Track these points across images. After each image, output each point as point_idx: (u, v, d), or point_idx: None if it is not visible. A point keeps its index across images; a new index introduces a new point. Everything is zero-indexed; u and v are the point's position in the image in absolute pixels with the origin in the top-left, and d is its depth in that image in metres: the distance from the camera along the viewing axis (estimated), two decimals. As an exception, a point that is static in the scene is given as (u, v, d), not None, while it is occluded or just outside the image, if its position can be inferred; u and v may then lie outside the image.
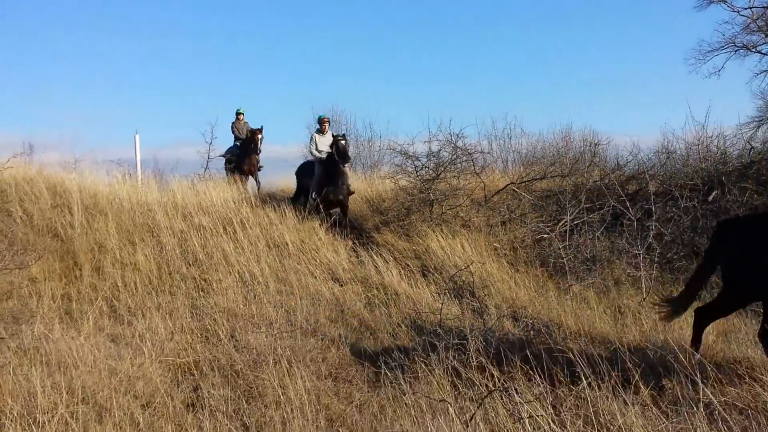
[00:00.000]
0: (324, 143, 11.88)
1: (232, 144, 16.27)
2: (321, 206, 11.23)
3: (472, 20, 60.45)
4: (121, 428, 5.09)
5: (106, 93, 53.60)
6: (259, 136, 15.11)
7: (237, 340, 7.03)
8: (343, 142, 11.28)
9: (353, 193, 11.98)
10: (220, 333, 7.18)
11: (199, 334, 7.26)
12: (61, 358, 6.31)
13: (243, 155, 15.44)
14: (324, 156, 11.67)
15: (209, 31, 62.25)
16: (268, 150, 17.15)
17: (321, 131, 12.27)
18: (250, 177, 15.45)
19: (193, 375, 6.27)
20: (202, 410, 5.54)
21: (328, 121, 12.68)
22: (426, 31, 60.22)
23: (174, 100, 54.23)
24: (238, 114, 16.35)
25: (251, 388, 5.93)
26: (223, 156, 16.43)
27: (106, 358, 6.27)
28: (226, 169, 16.17)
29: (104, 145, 39.75)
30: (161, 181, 13.26)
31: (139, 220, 9.96)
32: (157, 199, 10.97)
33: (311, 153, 12.13)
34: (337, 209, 11.63)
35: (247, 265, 9.10)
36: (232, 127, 16.17)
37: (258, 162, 15.56)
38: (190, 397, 5.87)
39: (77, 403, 5.38)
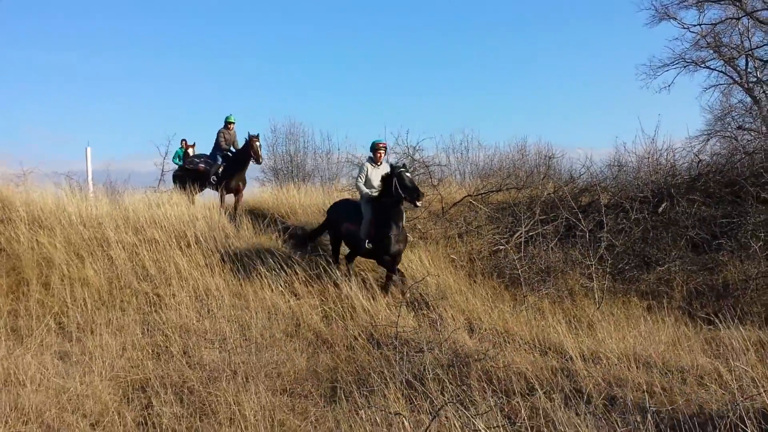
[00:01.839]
0: (378, 177, 9.22)
1: (210, 153, 14.28)
2: (378, 257, 9.00)
3: (429, 34, 61.10)
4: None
5: (57, 106, 52.40)
6: (258, 143, 13.19)
7: (190, 357, 6.89)
8: (408, 174, 8.72)
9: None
10: (173, 349, 7.03)
11: (150, 351, 7.10)
12: (7, 376, 6.12)
13: (234, 169, 13.41)
14: (376, 193, 9.10)
15: (164, 44, 61.52)
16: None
17: (374, 161, 9.52)
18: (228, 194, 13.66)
19: (145, 392, 6.12)
20: (154, 428, 5.42)
21: (385, 149, 9.73)
22: (384, 44, 60.62)
23: (129, 114, 53.32)
24: (228, 122, 14.25)
25: (204, 405, 5.82)
26: (189, 166, 14.49)
27: (54, 376, 6.09)
28: (176, 178, 15.24)
29: (55, 157, 38.78)
30: (113, 194, 12.96)
31: (88, 234, 9.71)
32: (108, 213, 10.70)
33: (357, 188, 9.51)
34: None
35: (201, 279, 8.94)
36: (218, 136, 14.07)
37: (244, 179, 13.80)
38: (141, 415, 5.73)
39: (24, 422, 5.21)
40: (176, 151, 16.56)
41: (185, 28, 63.67)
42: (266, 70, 59.38)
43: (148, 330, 7.63)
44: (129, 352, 6.96)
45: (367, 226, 8.96)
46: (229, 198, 13.62)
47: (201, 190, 14.02)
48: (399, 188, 8.46)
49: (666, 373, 5.60)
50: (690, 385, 5.36)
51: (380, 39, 61.67)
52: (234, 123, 14.22)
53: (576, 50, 55.92)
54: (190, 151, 15.48)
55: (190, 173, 14.15)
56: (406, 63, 58.64)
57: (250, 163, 13.35)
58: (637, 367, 5.73)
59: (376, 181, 9.18)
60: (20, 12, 58.80)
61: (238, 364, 6.54)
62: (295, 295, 8.58)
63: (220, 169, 13.65)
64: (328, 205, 10.94)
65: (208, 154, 14.23)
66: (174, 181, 15.42)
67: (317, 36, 62.26)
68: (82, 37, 61.23)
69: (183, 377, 6.33)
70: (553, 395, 5.03)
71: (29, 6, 60.84)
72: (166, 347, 7.10)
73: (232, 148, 13.98)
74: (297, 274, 9.03)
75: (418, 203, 8.60)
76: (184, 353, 6.97)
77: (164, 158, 16.76)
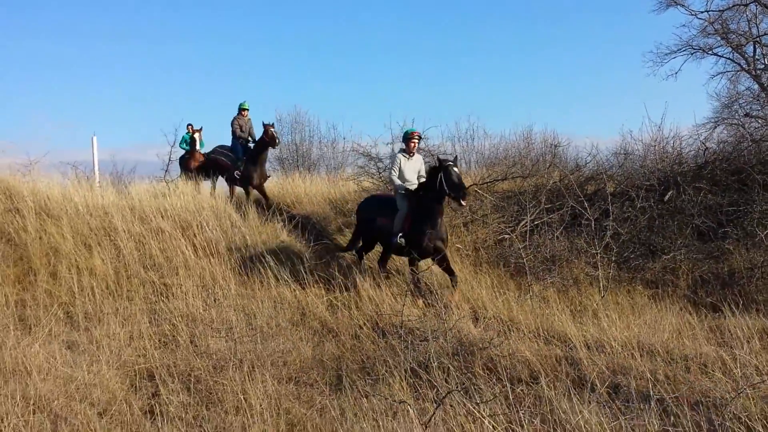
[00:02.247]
0: (412, 169, 8.96)
1: (231, 143, 13.97)
2: (412, 256, 8.45)
3: (434, 23, 60.81)
4: (77, 437, 4.99)
5: (63, 95, 52.50)
6: (273, 129, 12.88)
7: (196, 345, 6.94)
8: (456, 170, 8.14)
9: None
10: (179, 338, 7.08)
11: (157, 340, 7.15)
12: (16, 365, 6.16)
13: (254, 161, 13.10)
14: (412, 186, 8.78)
15: (166, 33, 61.46)
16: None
17: (407, 152, 8.97)
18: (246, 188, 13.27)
19: (152, 381, 6.17)
20: (161, 417, 5.45)
21: (419, 138, 9.26)
22: (389, 34, 60.38)
23: (135, 103, 53.37)
24: (241, 109, 13.94)
25: (211, 393, 5.87)
26: (209, 156, 14.34)
27: (61, 366, 6.14)
28: (182, 163, 15.29)
29: (61, 147, 38.91)
30: (119, 184, 13.03)
31: (95, 224, 9.77)
32: (114, 202, 10.76)
33: (391, 182, 8.98)
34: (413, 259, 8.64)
35: (208, 268, 8.99)
36: (232, 124, 13.84)
37: (266, 171, 13.53)
38: (149, 404, 5.78)
39: (32, 411, 5.26)
40: (183, 136, 16.33)
41: (191, 17, 63.58)
42: (272, 59, 59.31)
43: (155, 319, 7.69)
44: (136, 341, 7.02)
45: (401, 220, 8.53)
46: (235, 191, 13.63)
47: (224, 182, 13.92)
48: (444, 184, 7.96)
49: (670, 362, 5.62)
50: (694, 374, 5.37)
51: (385, 29, 61.44)
52: (248, 109, 13.96)
53: (582, 38, 55.57)
54: (197, 136, 15.36)
55: (212, 165, 14.07)
56: (411, 52, 58.44)
57: (269, 151, 13.26)
58: (641, 356, 5.75)
59: (409, 174, 8.87)
60: (24, 0, 58.85)
61: (245, 353, 6.59)
62: (301, 284, 8.62)
63: (235, 162, 13.47)
64: (334, 194, 10.97)
65: (229, 145, 13.96)
66: (181, 167, 15.42)
67: (322, 25, 62.08)
68: (86, 25, 61.24)
69: (190, 366, 6.38)
70: (557, 383, 5.05)
71: (34, -5, 60.84)
72: (173, 336, 7.16)
73: (250, 139, 13.77)
74: (303, 263, 9.06)
75: (463, 202, 8.12)
76: (191, 342, 7.02)
77: (172, 147, 16.60)
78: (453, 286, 8.29)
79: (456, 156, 8.92)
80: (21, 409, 5.21)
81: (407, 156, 8.94)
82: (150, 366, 6.39)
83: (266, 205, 12.47)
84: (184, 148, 15.94)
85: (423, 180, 8.86)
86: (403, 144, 9.04)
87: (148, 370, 6.35)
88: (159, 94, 55.34)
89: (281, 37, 62.13)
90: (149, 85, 56.27)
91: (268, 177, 13.51)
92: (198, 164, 14.88)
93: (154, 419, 5.48)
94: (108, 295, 8.28)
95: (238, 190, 13.68)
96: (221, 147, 14.16)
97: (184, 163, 15.26)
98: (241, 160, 13.34)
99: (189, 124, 16.22)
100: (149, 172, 15.54)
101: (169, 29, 62.24)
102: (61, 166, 12.87)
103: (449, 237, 9.26)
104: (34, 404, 5.39)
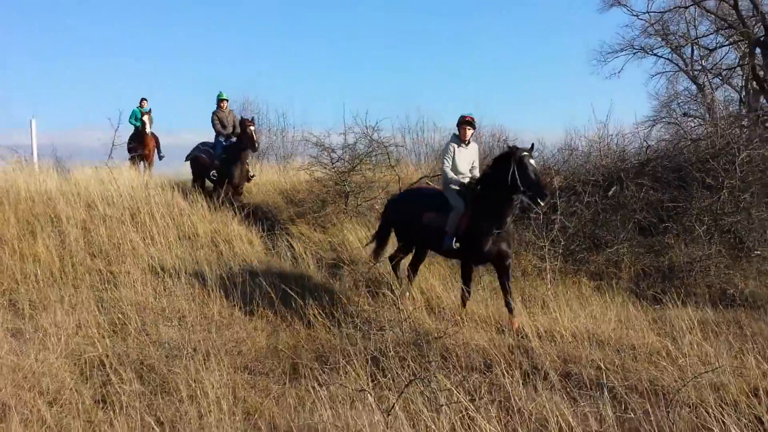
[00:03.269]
0: (466, 159, 7.84)
1: (214, 140, 12.47)
2: (465, 259, 7.47)
3: (384, 14, 60.80)
4: (27, 426, 4.85)
5: (-3, 74, 50.22)
6: (252, 128, 11.66)
7: (148, 334, 6.83)
8: (533, 162, 6.98)
9: None
10: (130, 326, 6.95)
11: (107, 328, 6.99)
12: (-43, 353, 5.94)
13: (234, 158, 11.74)
14: (465, 179, 7.70)
15: (111, 13, 59.47)
16: (181, 137, 15.89)
17: (460, 140, 7.84)
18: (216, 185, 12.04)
19: (102, 370, 6.04)
20: (113, 406, 5.36)
21: (473, 124, 7.87)
22: (338, 22, 60.04)
23: (73, 84, 51.55)
24: (220, 100, 12.61)
25: (165, 382, 5.79)
26: (191, 154, 12.76)
27: (7, 354, 5.95)
28: (132, 148, 14.70)
29: (-4, 130, 37.23)
30: (61, 169, 12.63)
31: (38, 210, 9.46)
32: (57, 188, 10.44)
33: (444, 174, 7.78)
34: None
35: (158, 256, 8.83)
36: (212, 119, 12.39)
37: (249, 171, 12.21)
38: (100, 393, 5.67)
39: (-23, 401, 5.09)
40: (133, 111, 15.40)
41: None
42: (220, 40, 58.13)
43: (103, 307, 7.50)
44: (84, 330, 6.85)
45: (456, 219, 7.35)
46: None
47: (203, 185, 12.50)
48: (519, 178, 6.74)
49: (618, 351, 5.84)
50: (641, 362, 5.61)
51: (338, 17, 61.06)
52: (227, 100, 12.68)
53: (529, 34, 56.54)
54: (146, 118, 14.78)
55: (192, 164, 12.66)
56: (361, 41, 58.28)
57: (258, 145, 12.06)
58: (590, 345, 5.96)
59: (463, 164, 7.76)
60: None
61: (198, 341, 6.52)
62: (254, 274, 8.55)
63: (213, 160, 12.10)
64: (284, 184, 10.77)
65: (213, 141, 12.56)
66: (129, 152, 14.83)
67: (273, 6, 61.24)
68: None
69: (142, 355, 6.28)
70: (512, 371, 5.19)
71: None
72: (123, 324, 7.01)
73: (232, 133, 12.34)
74: (255, 251, 9.00)
75: (542, 203, 7.05)
76: (142, 331, 6.90)
77: (116, 131, 16.03)
78: (510, 310, 7.16)
79: (533, 144, 7.34)
80: (-34, 398, 5.04)
81: (461, 144, 7.80)
82: (100, 354, 6.25)
83: (236, 206, 11.32)
84: (133, 124, 15.27)
85: (476, 171, 7.93)
86: (456, 130, 7.87)
87: (98, 359, 6.21)
88: (97, 76, 53.56)
89: (230, 17, 60.97)
90: (88, 64, 54.36)
91: (252, 177, 12.33)
92: (148, 152, 14.41)
93: (106, 408, 5.38)
94: (53, 283, 8.05)
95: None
96: (204, 144, 12.76)
97: (133, 146, 14.77)
98: (219, 158, 12.02)
99: (143, 98, 15.41)
100: (91, 157, 14.98)
101: (111, 8, 60.23)
102: (-2, 150, 12.38)
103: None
104: (-21, 393, 5.22)
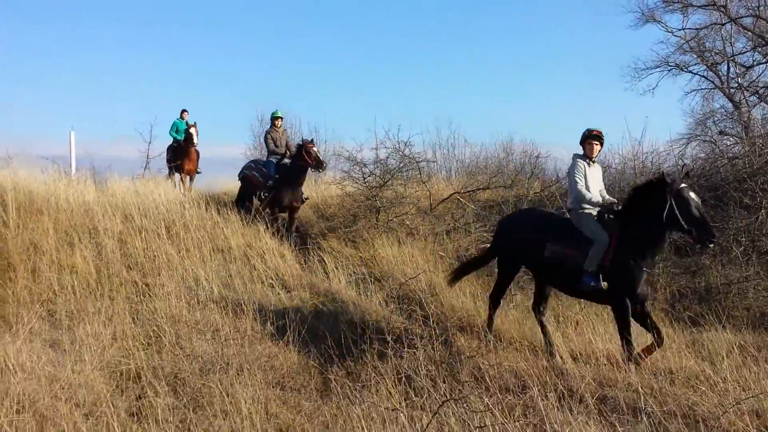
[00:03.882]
0: (595, 179, 6.90)
1: (266, 159, 12.02)
2: (612, 300, 6.43)
3: (416, 30, 61.00)
4: (64, 438, 4.93)
5: (38, 86, 51.47)
6: (315, 149, 11.12)
7: (182, 347, 6.89)
8: (695, 196, 6.07)
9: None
10: (164, 339, 7.02)
11: (141, 341, 7.08)
12: (-2, 363, 6.06)
13: (287, 182, 11.17)
14: (600, 199, 6.69)
15: (148, 28, 60.65)
16: (212, 150, 15.77)
17: (587, 157, 6.93)
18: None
19: (137, 383, 6.11)
20: (147, 420, 5.41)
21: (600, 140, 6.93)
22: (371, 39, 60.41)
23: (111, 96, 52.52)
24: (274, 118, 12.12)
25: (198, 396, 5.83)
26: (243, 173, 12.07)
27: (45, 365, 6.04)
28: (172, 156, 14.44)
29: (36, 140, 38.03)
30: (98, 180, 12.86)
31: (77, 221, 9.63)
32: (95, 199, 10.63)
33: (582, 196, 6.67)
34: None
35: (192, 269, 8.92)
36: (265, 138, 11.99)
37: (302, 193, 11.53)
38: (135, 406, 5.73)
39: (17, 411, 5.17)
40: (174, 122, 15.19)
41: (174, 6, 62.86)
42: (255, 55, 58.85)
43: (138, 319, 7.60)
44: (120, 342, 6.94)
45: (600, 253, 6.27)
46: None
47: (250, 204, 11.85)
48: (680, 215, 5.88)
49: (654, 374, 5.74)
50: (678, 386, 5.50)
51: (373, 34, 61.47)
52: (282, 118, 12.24)
53: (560, 50, 56.23)
54: (193, 131, 14.39)
55: (244, 183, 12.00)
56: (393, 58, 58.52)
57: (308, 172, 11.46)
58: (627, 368, 5.86)
59: (593, 186, 6.78)
60: (-1, -10, 57.55)
61: (231, 356, 6.56)
62: (286, 288, 8.60)
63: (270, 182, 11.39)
64: (316, 198, 10.72)
65: (264, 160, 12.19)
66: (170, 164, 14.54)
67: (310, 25, 61.89)
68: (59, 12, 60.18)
69: (176, 368, 6.33)
70: (546, 394, 5.13)
71: (8, -16, 59.53)
72: (158, 337, 7.09)
73: (287, 154, 11.78)
74: (287, 266, 9.05)
75: (711, 245, 6.17)
76: (176, 344, 6.97)
77: (149, 144, 16.26)
78: (656, 345, 6.28)
79: (687, 170, 6.61)
80: (6, 408, 5.13)
81: (588, 162, 6.88)
82: (135, 367, 6.33)
83: (288, 228, 11.06)
84: (174, 137, 15.01)
85: (604, 193, 7.02)
86: (582, 146, 6.95)
87: (133, 372, 6.29)
88: (135, 91, 54.53)
89: (266, 34, 61.74)
90: (124, 80, 55.40)
91: (306, 199, 11.61)
92: (192, 166, 14.14)
93: (141, 422, 5.44)
94: (89, 294, 8.16)
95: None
96: (256, 162, 12.38)
97: (177, 162, 14.45)
98: (272, 179, 11.39)
99: (183, 110, 15.15)
100: (127, 168, 15.22)
101: (147, 21, 61.42)
102: (39, 161, 12.66)
103: None
104: (18, 403, 5.30)
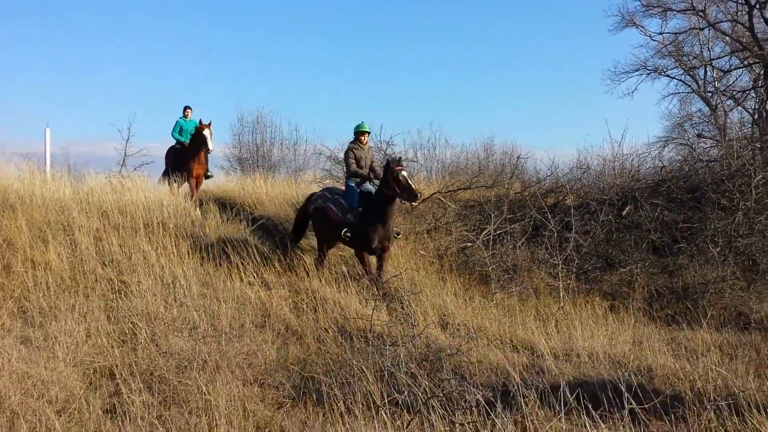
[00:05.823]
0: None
1: (346, 186, 9.54)
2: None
3: (397, 32, 61.13)
4: (36, 435, 4.80)
5: (11, 83, 50.69)
6: (404, 173, 8.44)
7: (158, 345, 6.77)
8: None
9: None
10: (140, 337, 6.89)
11: (116, 338, 6.94)
12: (-34, 360, 5.90)
13: (378, 216, 8.61)
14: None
15: (128, 26, 60.10)
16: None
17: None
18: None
19: (112, 380, 5.99)
20: (123, 417, 5.30)
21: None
22: (353, 41, 60.43)
23: (88, 94, 51.94)
24: (361, 133, 9.57)
25: (174, 394, 5.73)
26: (315, 201, 9.58)
27: (16, 361, 5.90)
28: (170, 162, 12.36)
29: (12, 138, 37.46)
30: (74, 177, 12.61)
31: (52, 218, 9.44)
32: (71, 196, 10.43)
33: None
34: None
35: (168, 266, 8.78)
36: (346, 157, 9.52)
37: (394, 228, 9.10)
38: (109, 403, 5.61)
39: (-14, 408, 5.04)
40: (177, 122, 13.02)
41: (147, 10, 62.30)
42: (237, 55, 58.51)
43: (113, 317, 7.45)
44: (94, 339, 6.79)
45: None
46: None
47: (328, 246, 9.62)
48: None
49: (635, 372, 5.74)
50: (659, 384, 5.51)
51: (354, 33, 61.44)
52: (369, 133, 9.74)
53: (541, 53, 56.65)
54: (207, 132, 12.05)
55: (315, 217, 9.55)
56: (374, 60, 58.56)
57: (398, 204, 9.12)
58: (609, 365, 5.87)
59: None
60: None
61: (208, 353, 6.45)
62: (265, 286, 8.50)
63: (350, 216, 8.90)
64: (296, 197, 10.62)
65: (342, 188, 9.87)
66: (173, 168, 12.52)
67: (291, 25, 61.70)
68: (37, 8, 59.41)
69: (152, 365, 6.21)
70: (527, 391, 5.10)
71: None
72: (134, 334, 6.95)
73: (372, 178, 9.35)
74: (266, 264, 8.95)
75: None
76: (152, 341, 6.84)
77: (127, 141, 15.58)
78: None
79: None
80: (-25, 406, 5.00)
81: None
82: (110, 364, 6.20)
83: (378, 279, 8.63)
84: (177, 138, 12.93)
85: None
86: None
87: (107, 369, 6.16)
88: (114, 87, 53.95)
89: (246, 33, 61.44)
90: (102, 76, 54.80)
91: (398, 235, 9.45)
92: (201, 171, 12.23)
93: (115, 419, 5.33)
94: (63, 291, 7.99)
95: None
96: (330, 191, 9.77)
97: (184, 166, 12.32)
98: (353, 212, 8.99)
99: (186, 107, 13.11)
100: (105, 166, 14.83)
101: (128, 22, 60.81)
102: (12, 158, 12.39)
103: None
104: (-11, 400, 5.17)
